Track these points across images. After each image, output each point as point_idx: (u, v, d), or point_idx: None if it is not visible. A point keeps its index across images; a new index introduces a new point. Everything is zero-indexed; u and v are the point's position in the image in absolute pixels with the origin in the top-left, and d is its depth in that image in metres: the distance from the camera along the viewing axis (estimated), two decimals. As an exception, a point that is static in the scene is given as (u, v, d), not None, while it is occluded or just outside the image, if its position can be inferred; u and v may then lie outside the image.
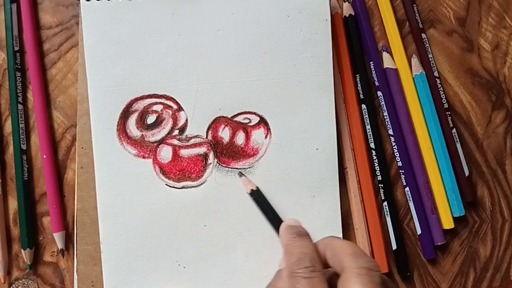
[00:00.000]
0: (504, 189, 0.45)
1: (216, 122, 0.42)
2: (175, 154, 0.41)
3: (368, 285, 0.30)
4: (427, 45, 0.45)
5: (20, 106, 0.42)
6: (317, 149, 0.42)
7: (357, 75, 0.44)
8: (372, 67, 0.44)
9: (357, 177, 0.43)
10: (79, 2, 0.42)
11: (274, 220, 0.40)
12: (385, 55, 0.44)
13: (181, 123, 0.42)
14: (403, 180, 0.43)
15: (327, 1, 0.42)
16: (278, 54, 0.42)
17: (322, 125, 0.42)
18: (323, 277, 0.32)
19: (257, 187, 0.41)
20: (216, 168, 0.42)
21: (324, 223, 0.42)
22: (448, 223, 0.43)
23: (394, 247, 0.43)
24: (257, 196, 0.41)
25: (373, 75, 0.44)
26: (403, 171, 0.43)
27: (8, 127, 0.43)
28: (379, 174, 0.43)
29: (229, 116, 0.42)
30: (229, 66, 0.42)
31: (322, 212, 0.42)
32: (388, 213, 0.43)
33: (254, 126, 0.42)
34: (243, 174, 0.41)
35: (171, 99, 0.42)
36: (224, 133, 0.42)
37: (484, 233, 0.44)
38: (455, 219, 0.43)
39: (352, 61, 0.44)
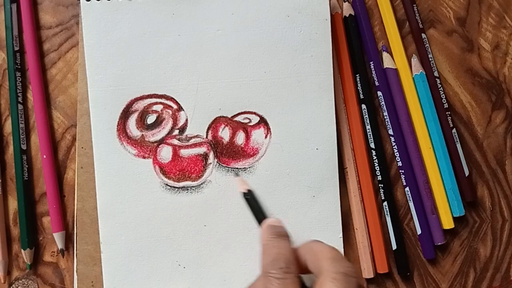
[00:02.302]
0: (504, 189, 0.45)
1: (216, 122, 0.42)
2: (175, 154, 0.41)
3: None
4: (427, 45, 0.45)
5: (20, 106, 0.42)
6: (317, 149, 0.42)
7: (357, 75, 0.44)
8: (372, 67, 0.44)
9: (357, 177, 0.43)
10: (79, 2, 0.42)
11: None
12: (385, 55, 0.44)
13: (181, 123, 0.42)
14: (403, 180, 0.43)
15: (327, 1, 0.42)
16: (278, 54, 0.42)
17: (322, 125, 0.42)
18: (296, 279, 0.31)
19: (250, 190, 0.40)
20: (216, 168, 0.42)
21: (324, 223, 0.42)
22: (448, 223, 0.43)
23: (394, 247, 0.43)
24: (251, 197, 0.40)
25: (373, 75, 0.44)
26: (403, 171, 0.43)
27: (8, 127, 0.43)
28: (379, 174, 0.43)
29: (229, 116, 0.42)
30: (229, 66, 0.42)
31: (322, 212, 0.42)
32: (388, 213, 0.43)
33: (254, 126, 0.42)
34: (238, 174, 0.41)
35: (171, 99, 0.42)
36: (224, 133, 0.42)
37: (484, 233, 0.44)
38: (455, 219, 0.43)
39: (352, 61, 0.44)
